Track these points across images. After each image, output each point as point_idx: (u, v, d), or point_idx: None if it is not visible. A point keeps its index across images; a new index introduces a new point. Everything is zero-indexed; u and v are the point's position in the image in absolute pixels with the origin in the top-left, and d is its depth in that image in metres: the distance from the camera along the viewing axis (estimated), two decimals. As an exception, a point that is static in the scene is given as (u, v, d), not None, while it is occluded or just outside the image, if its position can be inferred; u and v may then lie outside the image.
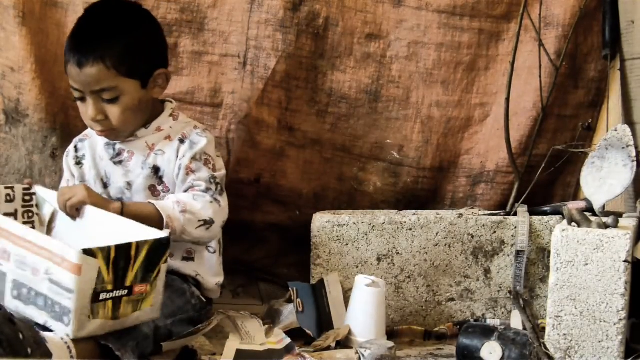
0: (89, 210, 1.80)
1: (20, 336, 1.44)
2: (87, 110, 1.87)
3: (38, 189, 1.92)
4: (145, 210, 1.82)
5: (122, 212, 1.79)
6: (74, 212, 1.80)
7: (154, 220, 1.79)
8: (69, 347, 1.54)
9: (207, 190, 1.88)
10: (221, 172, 1.95)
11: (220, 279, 2.04)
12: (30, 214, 1.89)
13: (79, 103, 1.90)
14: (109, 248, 1.55)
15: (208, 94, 2.26)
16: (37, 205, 1.91)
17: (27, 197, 1.90)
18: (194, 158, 1.91)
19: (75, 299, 1.54)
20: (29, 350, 1.44)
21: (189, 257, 1.97)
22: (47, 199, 1.90)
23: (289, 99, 2.28)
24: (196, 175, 1.90)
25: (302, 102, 2.29)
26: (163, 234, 1.68)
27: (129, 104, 1.88)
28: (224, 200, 1.92)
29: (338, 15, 2.26)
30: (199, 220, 1.84)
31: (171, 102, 2.01)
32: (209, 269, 2.00)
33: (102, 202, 1.81)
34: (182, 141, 1.93)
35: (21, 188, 1.90)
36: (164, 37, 2.01)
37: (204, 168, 1.91)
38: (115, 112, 1.87)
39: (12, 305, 1.63)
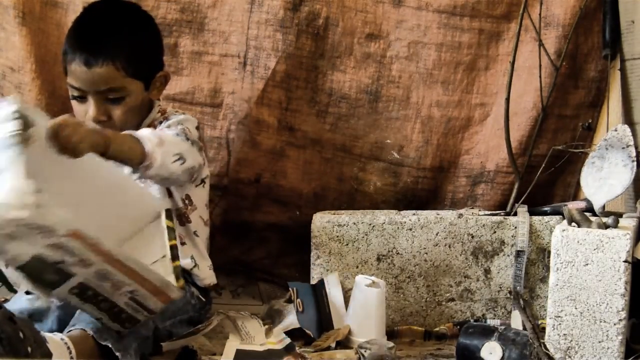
0: None
1: (21, 335, 1.44)
2: (87, 109, 1.86)
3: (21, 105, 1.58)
4: (127, 140, 1.69)
5: (109, 144, 1.63)
6: (68, 152, 1.58)
7: (137, 151, 1.69)
8: (68, 347, 1.54)
9: (176, 135, 1.83)
10: (194, 135, 1.89)
11: (210, 262, 2.03)
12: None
13: (75, 102, 1.89)
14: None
15: (208, 94, 2.26)
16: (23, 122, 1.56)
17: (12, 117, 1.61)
18: (168, 126, 1.88)
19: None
20: (29, 350, 1.44)
21: (182, 242, 1.96)
22: (36, 121, 1.57)
23: (289, 99, 2.28)
24: (166, 130, 1.85)
25: (302, 102, 2.29)
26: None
27: (132, 105, 1.88)
28: (195, 150, 1.85)
29: (338, 15, 2.26)
30: (174, 154, 1.77)
31: (157, 99, 2.01)
32: (199, 254, 2.00)
33: (96, 144, 1.60)
34: (161, 123, 1.92)
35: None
36: (162, 39, 2.02)
37: (175, 128, 1.86)
38: (119, 113, 1.86)
39: (61, 295, 1.58)
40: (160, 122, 1.93)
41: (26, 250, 1.47)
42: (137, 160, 1.70)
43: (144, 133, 1.75)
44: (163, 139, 1.75)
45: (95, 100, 1.84)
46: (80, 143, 1.55)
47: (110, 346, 1.59)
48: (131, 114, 1.89)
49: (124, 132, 1.75)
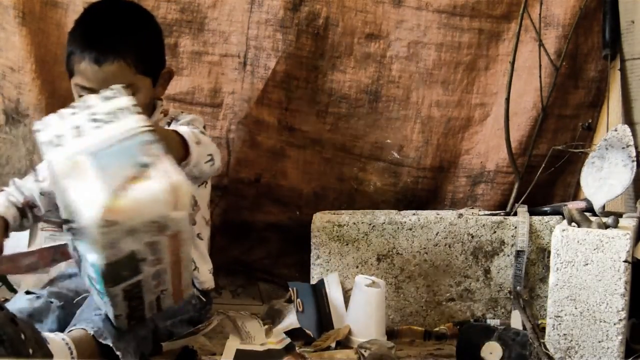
0: None
1: (22, 336, 1.44)
2: None
3: None
4: (175, 139, 1.70)
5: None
6: None
7: (178, 148, 1.70)
8: (69, 348, 1.54)
9: (202, 133, 1.84)
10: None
11: (210, 266, 2.03)
12: None
13: None
14: None
15: (208, 94, 2.26)
16: None
17: None
18: (179, 126, 1.87)
19: None
20: (31, 351, 1.44)
21: None
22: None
23: (289, 99, 2.28)
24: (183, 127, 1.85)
25: (302, 102, 2.29)
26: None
27: (142, 102, 1.85)
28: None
29: (338, 15, 2.26)
30: (208, 155, 1.79)
31: (160, 99, 2.01)
32: (200, 256, 1.99)
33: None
34: (169, 124, 1.93)
35: None
36: (164, 36, 2.02)
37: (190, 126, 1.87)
38: None
39: (113, 292, 1.54)
40: (168, 124, 1.93)
41: (130, 246, 1.45)
42: (179, 156, 1.69)
43: (184, 129, 1.75)
44: (200, 138, 1.76)
45: None
46: None
47: (110, 345, 1.59)
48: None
49: (167, 128, 1.78)
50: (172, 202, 1.43)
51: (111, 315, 1.61)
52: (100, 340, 1.58)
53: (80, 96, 1.86)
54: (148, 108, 1.92)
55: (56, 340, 1.54)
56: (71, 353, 1.54)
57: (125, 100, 1.52)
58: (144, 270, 1.52)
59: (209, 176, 1.91)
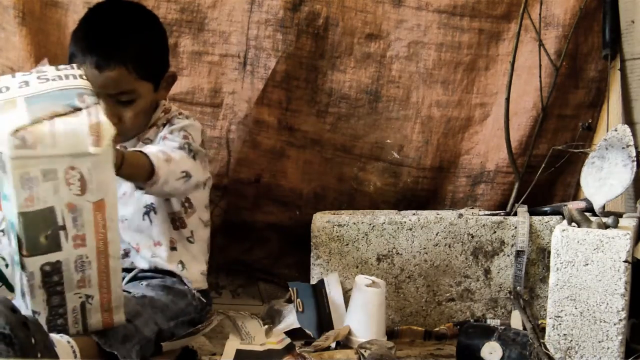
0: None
1: (32, 340, 1.44)
2: None
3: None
4: (138, 158, 1.71)
5: (122, 162, 1.65)
6: None
7: (145, 168, 1.71)
8: (74, 351, 1.54)
9: (180, 148, 1.83)
10: (197, 145, 1.89)
11: (204, 268, 2.00)
12: None
13: None
14: None
15: (208, 94, 2.26)
16: None
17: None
18: (171, 132, 1.88)
19: None
20: (39, 355, 1.45)
21: (172, 247, 1.94)
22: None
23: (289, 99, 2.28)
24: (168, 141, 1.86)
25: (302, 102, 2.29)
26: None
27: (143, 107, 1.86)
28: (198, 163, 1.86)
29: (338, 15, 2.26)
30: (181, 172, 1.78)
31: (165, 99, 2.01)
32: (191, 258, 1.97)
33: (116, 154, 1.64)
34: (164, 125, 1.92)
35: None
36: (167, 38, 2.01)
37: (178, 138, 1.87)
38: (129, 115, 1.84)
39: (31, 266, 1.51)
40: (164, 125, 1.92)
41: (48, 198, 1.45)
42: (144, 176, 1.71)
43: (152, 149, 1.75)
44: (170, 157, 1.76)
45: (106, 103, 1.81)
46: None
47: (115, 353, 1.59)
48: (142, 115, 1.88)
49: (134, 150, 1.77)
50: (93, 139, 1.45)
51: (29, 309, 1.56)
52: (105, 348, 1.58)
53: None
54: (149, 112, 1.92)
55: (62, 342, 1.54)
56: (75, 356, 1.54)
57: (77, 71, 1.57)
58: (64, 247, 1.50)
59: (189, 192, 1.89)
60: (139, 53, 1.83)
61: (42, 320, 1.55)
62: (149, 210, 1.90)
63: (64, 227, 1.49)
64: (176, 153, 1.79)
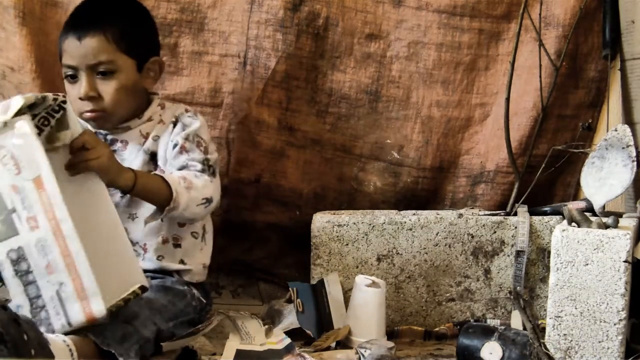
0: (95, 181, 1.68)
1: (25, 337, 1.44)
2: (79, 88, 1.87)
3: (70, 109, 1.67)
4: (155, 183, 1.80)
5: (134, 186, 1.75)
6: (83, 170, 1.67)
7: (163, 193, 1.79)
8: (70, 350, 1.54)
9: (202, 171, 1.90)
10: (214, 155, 1.96)
11: (206, 261, 2.03)
12: (46, 123, 1.64)
13: (68, 85, 1.90)
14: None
15: (208, 94, 2.26)
16: (57, 121, 1.64)
17: (55, 108, 1.64)
18: (187, 139, 1.92)
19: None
20: (33, 352, 1.44)
21: (176, 244, 1.96)
22: (72, 127, 1.66)
23: (289, 99, 2.28)
24: (190, 155, 1.91)
25: (302, 102, 2.29)
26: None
27: (123, 83, 1.89)
28: (217, 181, 1.94)
29: (338, 15, 2.26)
30: (202, 199, 1.86)
31: (157, 94, 2.03)
32: (193, 254, 1.99)
33: (117, 172, 1.74)
34: (175, 123, 1.95)
35: (53, 98, 1.63)
36: (157, 30, 2.05)
37: (197, 150, 1.93)
38: (109, 90, 1.87)
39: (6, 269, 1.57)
40: (173, 123, 1.95)
41: None
42: (163, 201, 1.79)
43: (173, 176, 1.82)
44: (192, 184, 1.83)
45: (86, 75, 1.87)
46: (97, 158, 1.66)
47: (113, 352, 1.59)
48: (123, 94, 1.89)
49: (154, 173, 1.84)
50: (3, 108, 1.54)
51: (14, 305, 1.58)
52: (103, 347, 1.58)
53: (67, 76, 1.90)
54: (135, 95, 1.94)
55: (57, 341, 1.54)
56: (72, 355, 1.54)
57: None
58: (20, 231, 1.55)
59: (205, 216, 1.96)
60: (120, 25, 1.89)
61: (25, 313, 1.57)
62: None
63: (14, 210, 1.55)
64: (199, 180, 1.86)
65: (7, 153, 1.55)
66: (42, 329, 1.56)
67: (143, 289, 1.66)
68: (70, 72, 1.89)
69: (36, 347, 1.46)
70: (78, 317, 1.58)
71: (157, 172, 1.86)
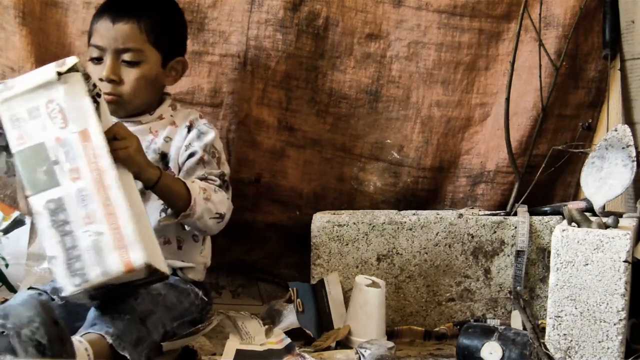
0: (124, 172, 1.68)
1: (63, 339, 1.45)
2: (101, 70, 1.89)
3: (104, 101, 1.70)
4: (177, 186, 1.81)
5: (157, 182, 1.76)
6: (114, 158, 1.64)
7: (182, 198, 1.80)
8: (86, 349, 1.55)
9: (220, 186, 1.91)
10: (227, 169, 1.98)
11: (206, 261, 2.03)
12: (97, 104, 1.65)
13: (91, 66, 1.91)
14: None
15: (208, 94, 2.26)
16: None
17: (94, 95, 1.65)
18: (205, 150, 1.94)
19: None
20: (63, 355, 1.45)
21: (179, 246, 1.96)
22: (104, 118, 1.67)
23: (289, 99, 2.28)
24: (207, 168, 1.93)
25: (302, 102, 2.29)
26: None
27: (146, 74, 1.91)
28: (230, 197, 1.95)
29: (338, 15, 2.26)
30: (216, 213, 1.87)
31: (169, 94, 2.05)
32: (193, 256, 1.99)
33: (144, 165, 1.74)
34: (189, 128, 1.97)
35: (94, 83, 1.66)
36: (187, 31, 2.07)
37: (213, 162, 1.95)
38: (131, 78, 1.89)
39: (37, 204, 1.57)
40: (188, 127, 1.96)
41: (36, 135, 1.58)
42: (181, 206, 1.80)
43: (195, 185, 1.83)
44: (210, 197, 1.85)
45: (111, 58, 1.89)
46: (126, 148, 1.67)
47: (127, 356, 1.59)
48: (143, 84, 1.91)
49: (177, 177, 1.87)
50: (58, 65, 1.59)
51: (49, 261, 1.58)
52: (119, 350, 1.58)
53: (93, 58, 1.92)
54: (153, 88, 1.95)
55: (75, 343, 1.54)
56: (89, 356, 1.55)
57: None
58: (62, 182, 1.57)
59: (216, 231, 1.95)
60: (155, 17, 1.92)
61: (59, 265, 1.56)
62: (165, 208, 1.90)
63: (57, 162, 1.57)
64: (217, 195, 1.88)
65: (56, 107, 1.59)
66: (77, 280, 1.55)
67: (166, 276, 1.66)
68: (95, 54, 1.91)
69: (67, 349, 1.47)
70: (116, 266, 1.55)
71: (181, 178, 1.87)
